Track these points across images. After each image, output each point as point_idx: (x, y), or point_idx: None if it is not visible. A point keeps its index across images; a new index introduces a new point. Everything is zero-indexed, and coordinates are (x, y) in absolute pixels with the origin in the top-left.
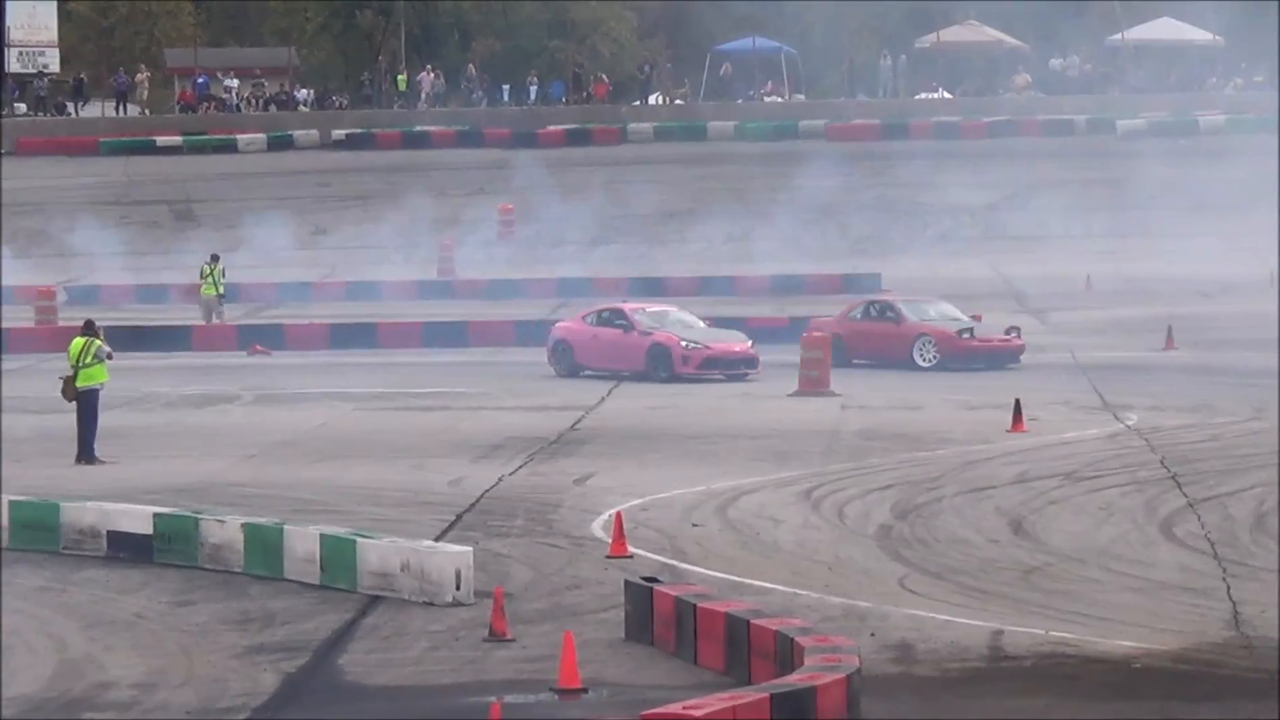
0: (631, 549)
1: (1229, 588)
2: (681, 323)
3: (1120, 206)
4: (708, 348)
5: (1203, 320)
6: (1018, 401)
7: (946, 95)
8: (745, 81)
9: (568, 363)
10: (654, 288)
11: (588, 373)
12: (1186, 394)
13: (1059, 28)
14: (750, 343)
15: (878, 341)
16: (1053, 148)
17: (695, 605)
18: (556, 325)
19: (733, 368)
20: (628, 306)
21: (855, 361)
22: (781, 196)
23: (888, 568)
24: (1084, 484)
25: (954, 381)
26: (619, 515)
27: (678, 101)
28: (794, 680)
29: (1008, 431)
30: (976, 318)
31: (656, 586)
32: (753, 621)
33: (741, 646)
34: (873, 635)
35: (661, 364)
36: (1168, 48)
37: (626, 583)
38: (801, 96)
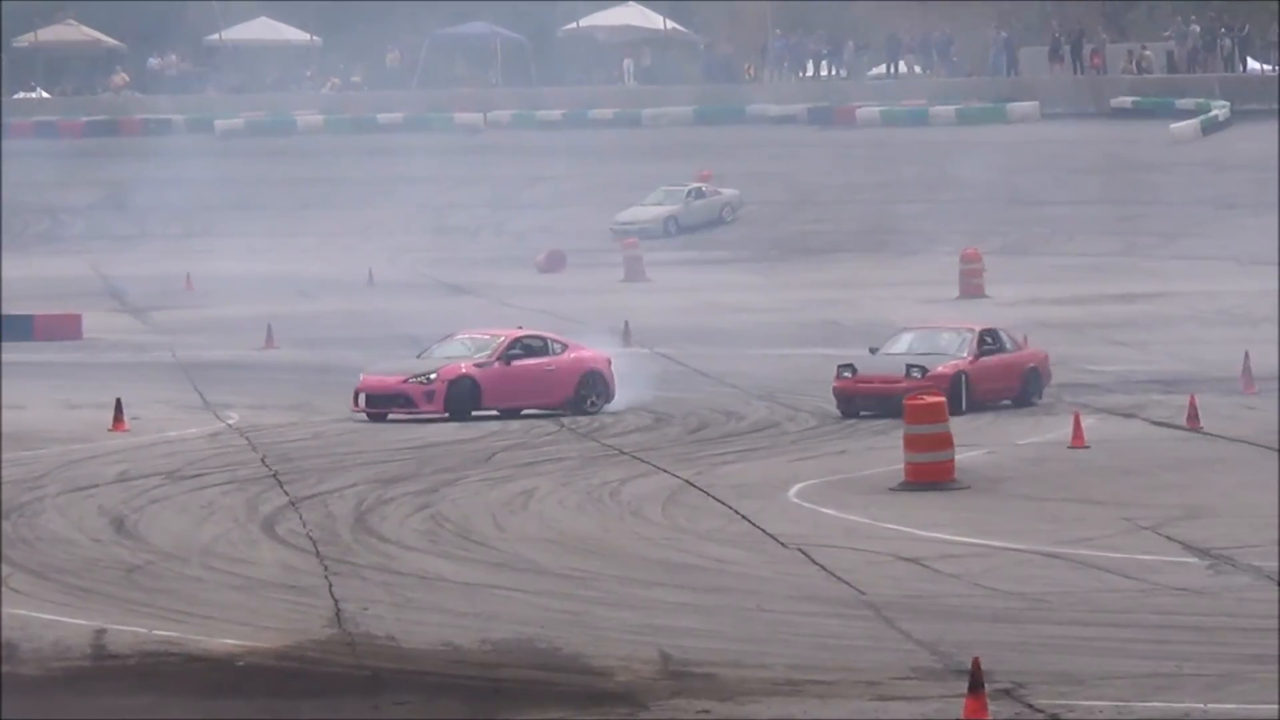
0: None
1: (331, 585)
2: None
3: (219, 206)
4: None
5: (302, 319)
6: (119, 400)
7: (45, 95)
8: None
9: None
10: None
11: None
12: (287, 393)
13: (156, 27)
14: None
15: None
16: (152, 147)
17: None
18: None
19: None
20: None
21: None
22: None
23: None
24: (186, 482)
25: (56, 381)
26: None
27: None
28: None
29: (110, 430)
30: None
31: None
32: None
33: None
34: None
35: None
36: (265, 47)
37: None
38: None
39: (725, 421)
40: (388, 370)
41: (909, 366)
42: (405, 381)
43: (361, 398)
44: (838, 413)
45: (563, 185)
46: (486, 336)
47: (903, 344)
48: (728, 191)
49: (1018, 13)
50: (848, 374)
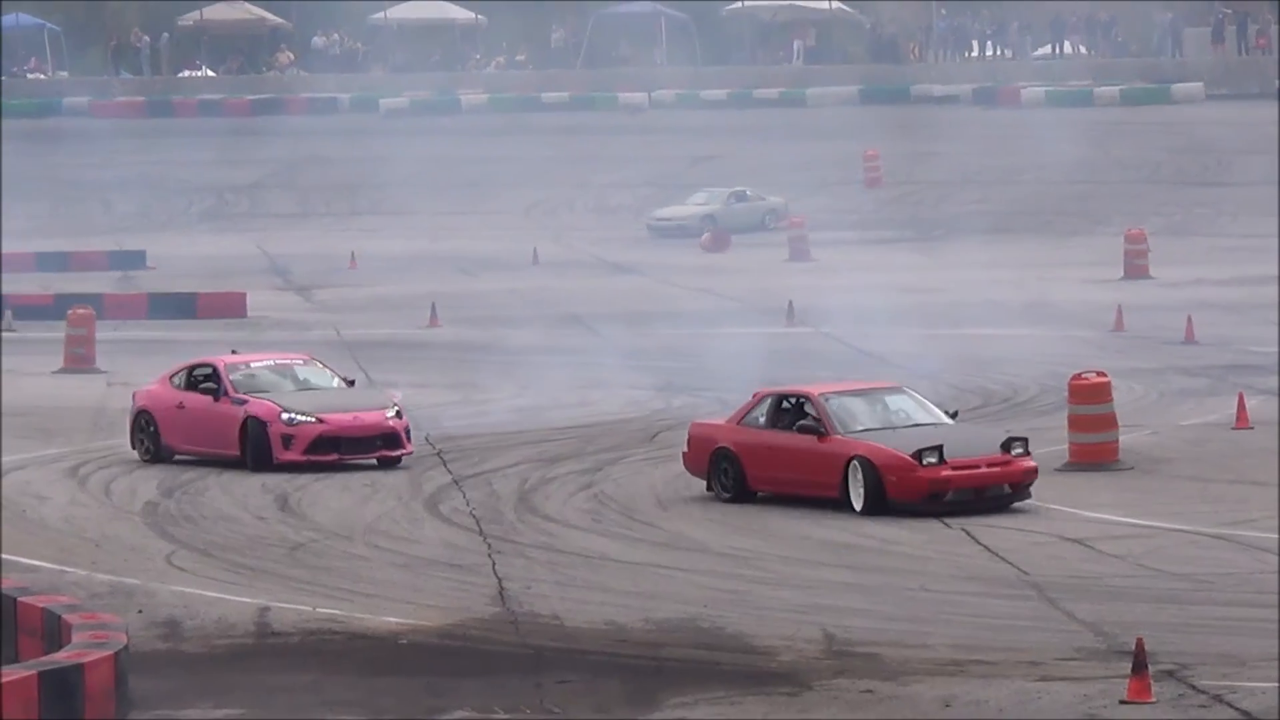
0: None
1: (494, 564)
2: (300, 382)
3: (383, 184)
4: (320, 421)
5: (466, 298)
6: None
7: (210, 73)
8: (11, 59)
9: (154, 443)
10: None
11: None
12: (450, 371)
13: (322, 5)
14: (393, 410)
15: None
16: (317, 126)
17: None
18: (140, 389)
19: (366, 449)
20: (219, 360)
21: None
22: (36, 172)
23: (155, 544)
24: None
25: None
26: None
27: None
28: (61, 658)
29: None
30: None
31: None
32: (20, 599)
33: (9, 624)
34: (140, 612)
35: (256, 447)
36: (430, 26)
37: None
38: (65, 74)
39: None
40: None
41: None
42: None
43: None
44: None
45: (726, 165)
46: None
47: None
48: (772, 199)
49: None
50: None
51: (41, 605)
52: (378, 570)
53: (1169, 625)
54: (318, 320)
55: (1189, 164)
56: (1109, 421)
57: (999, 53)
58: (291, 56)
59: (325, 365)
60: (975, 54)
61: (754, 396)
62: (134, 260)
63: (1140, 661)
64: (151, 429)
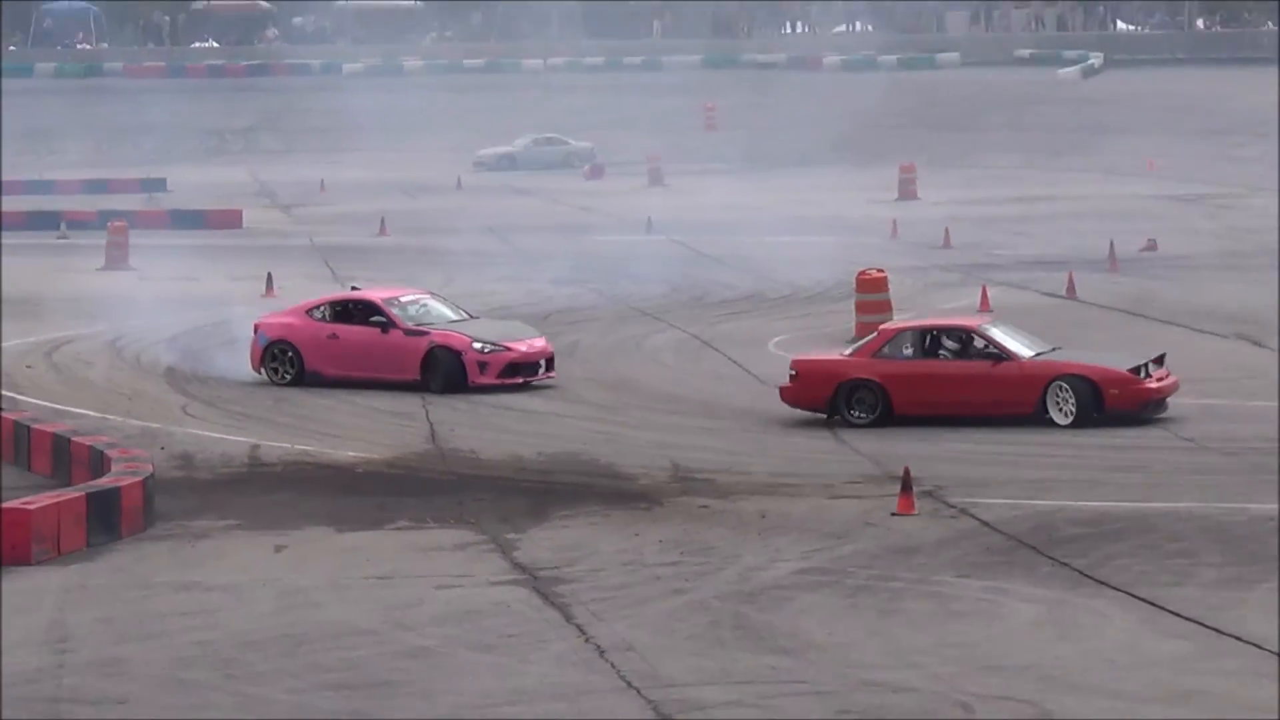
0: None
1: (427, 413)
2: (441, 315)
3: (345, 129)
4: (508, 349)
5: (406, 214)
6: (269, 274)
7: (215, 44)
8: (62, 32)
9: (295, 369)
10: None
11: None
12: (395, 268)
13: None
14: (544, 337)
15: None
16: (295, 85)
17: (29, 427)
18: (265, 321)
19: (535, 372)
20: (376, 296)
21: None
22: (82, 120)
23: (173, 398)
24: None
25: (223, 260)
26: None
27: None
28: (104, 482)
29: (263, 296)
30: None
31: None
32: (72, 439)
33: (65, 457)
34: (163, 449)
35: (448, 373)
36: (381, 10)
37: None
38: (105, 45)
39: (722, 291)
40: None
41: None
42: None
43: None
44: (805, 290)
45: (602, 114)
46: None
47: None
48: (577, 143)
49: None
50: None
51: (88, 443)
52: (341, 417)
53: (928, 458)
54: (296, 231)
55: (948, 114)
56: (886, 306)
57: (807, 30)
58: (276, 33)
59: (444, 300)
60: (789, 31)
61: (879, 332)
62: (158, 185)
63: (906, 484)
64: (289, 355)
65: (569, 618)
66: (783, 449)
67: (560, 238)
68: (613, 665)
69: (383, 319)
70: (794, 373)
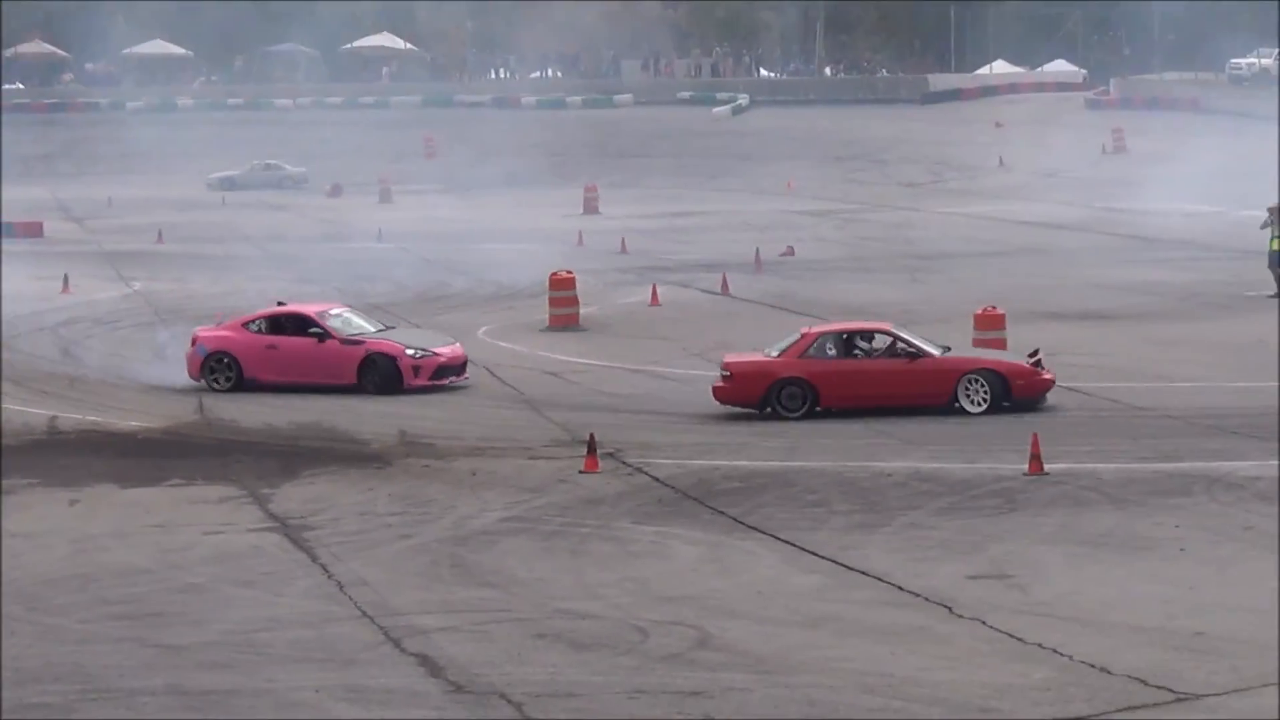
0: None
1: (201, 397)
2: (361, 326)
3: (129, 155)
4: (436, 354)
5: (179, 225)
6: (65, 275)
7: (20, 85)
8: None
9: (234, 377)
10: None
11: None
12: (169, 270)
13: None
14: (460, 343)
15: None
16: (87, 119)
17: None
18: (203, 334)
19: (458, 373)
20: (309, 310)
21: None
22: None
23: None
24: (107, 325)
25: (27, 264)
26: None
27: None
28: None
29: (60, 293)
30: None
31: None
32: None
33: None
34: None
35: (385, 377)
36: (159, 58)
37: None
38: None
39: (440, 289)
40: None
41: None
42: None
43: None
44: (508, 288)
45: (341, 144)
46: None
47: None
48: (293, 169)
49: (620, 36)
50: None
51: None
52: (125, 392)
53: (610, 425)
54: (88, 239)
55: (624, 144)
56: (574, 301)
57: (510, 75)
58: (71, 76)
59: (360, 313)
60: (494, 76)
61: (803, 335)
62: None
63: (591, 447)
64: (225, 362)
65: (314, 559)
66: (490, 419)
67: (306, 245)
68: (351, 598)
69: (319, 330)
70: (727, 373)
